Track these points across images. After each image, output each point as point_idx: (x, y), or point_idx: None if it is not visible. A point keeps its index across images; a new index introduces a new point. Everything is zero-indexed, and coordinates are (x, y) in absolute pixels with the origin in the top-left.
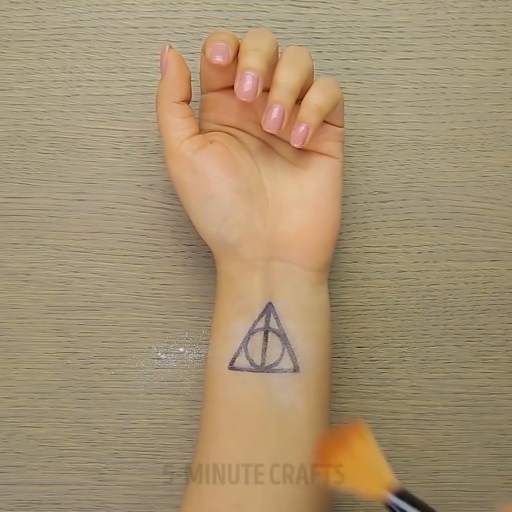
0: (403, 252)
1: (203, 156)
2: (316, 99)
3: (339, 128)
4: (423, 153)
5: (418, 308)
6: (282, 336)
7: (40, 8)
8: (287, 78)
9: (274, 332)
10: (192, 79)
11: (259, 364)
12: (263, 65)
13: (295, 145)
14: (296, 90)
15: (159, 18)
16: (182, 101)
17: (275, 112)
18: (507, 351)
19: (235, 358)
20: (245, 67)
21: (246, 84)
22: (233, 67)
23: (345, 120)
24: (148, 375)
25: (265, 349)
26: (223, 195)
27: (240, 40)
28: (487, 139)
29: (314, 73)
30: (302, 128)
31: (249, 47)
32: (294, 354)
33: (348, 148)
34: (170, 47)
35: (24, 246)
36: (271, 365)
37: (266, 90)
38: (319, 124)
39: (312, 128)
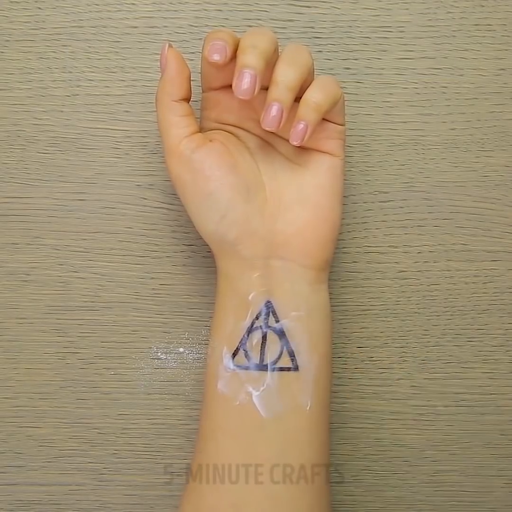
0: (403, 252)
1: (202, 154)
2: (315, 97)
3: (340, 126)
4: (423, 153)
5: (418, 308)
6: (281, 334)
7: (39, 8)
8: (286, 76)
9: (272, 330)
10: (192, 78)
11: (258, 362)
12: (261, 63)
13: (294, 143)
14: (295, 88)
15: (159, 17)
16: (182, 100)
17: (273, 110)
18: (507, 351)
19: (234, 356)
20: (243, 65)
21: (244, 82)
22: (232, 65)
23: (348, 120)
24: (148, 375)
25: (264, 347)
26: (221, 193)
27: (240, 38)
28: (487, 139)
29: (314, 73)
30: (301, 126)
31: (247, 45)
32: (293, 352)
33: (348, 148)
34: (170, 45)
35: (24, 246)
36: (269, 363)
37: (266, 88)
38: (318, 122)
39: (311, 126)
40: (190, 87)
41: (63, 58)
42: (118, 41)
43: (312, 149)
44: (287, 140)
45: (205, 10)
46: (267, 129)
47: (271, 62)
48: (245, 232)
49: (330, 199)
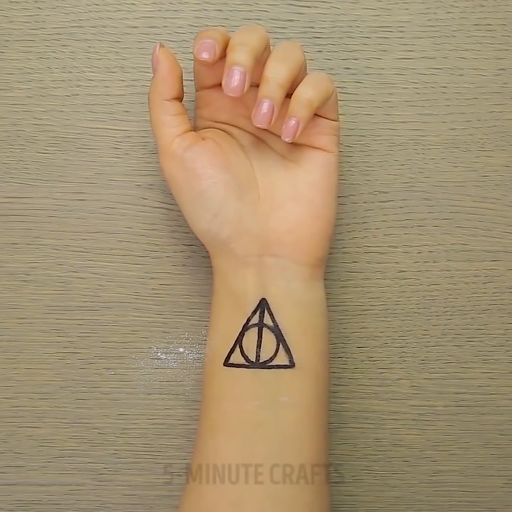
0: (403, 252)
1: (194, 153)
2: (306, 93)
3: (334, 122)
4: (423, 153)
5: (418, 308)
6: (276, 332)
7: (39, 8)
8: (277, 72)
9: (268, 328)
10: (190, 78)
11: (254, 360)
12: (251, 60)
13: (286, 140)
14: (286, 85)
15: (159, 17)
16: (174, 99)
17: (264, 107)
18: (507, 351)
19: (230, 354)
20: (232, 63)
21: (233, 80)
22: (223, 63)
23: (345, 120)
24: (148, 375)
25: (260, 345)
26: (214, 191)
27: (230, 36)
28: (487, 139)
29: (313, 71)
30: (292, 122)
31: (236, 43)
32: (289, 349)
33: (348, 148)
34: (161, 45)
35: (23, 246)
36: (265, 361)
37: (258, 86)
38: (309, 118)
39: (303, 122)
40: (182, 86)
41: (63, 58)
42: (118, 41)
43: (306, 146)
44: (280, 137)
45: (205, 10)
46: (258, 126)
47: (261, 59)
48: (238, 230)
49: (324, 196)
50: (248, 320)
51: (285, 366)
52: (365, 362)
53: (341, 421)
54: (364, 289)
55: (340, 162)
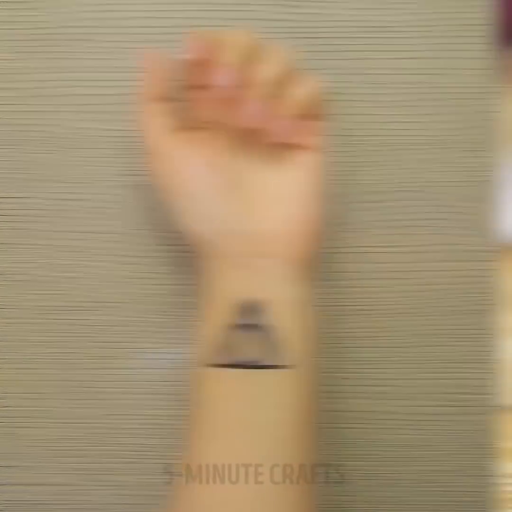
0: (402, 252)
1: (183, 153)
2: (294, 93)
3: (321, 122)
4: (416, 153)
5: (416, 308)
6: (264, 332)
7: (40, 8)
8: (264, 73)
9: (256, 328)
10: (181, 78)
11: (241, 361)
12: (239, 62)
13: (274, 140)
14: (274, 86)
15: (157, 18)
16: (161, 99)
17: (252, 107)
18: (507, 351)
19: (219, 355)
20: (220, 64)
21: (222, 80)
22: (212, 64)
23: (337, 120)
24: (143, 376)
25: (249, 345)
26: (201, 192)
27: (219, 37)
28: (480, 138)
29: (302, 71)
30: (280, 122)
31: (225, 44)
32: (277, 350)
33: (342, 148)
34: (152, 46)
35: (17, 246)
36: (253, 361)
37: (247, 86)
38: (297, 118)
39: (291, 122)
40: (170, 87)
41: (62, 58)
42: (118, 41)
43: (293, 145)
44: (268, 137)
45: (200, 10)
46: (247, 126)
47: (249, 61)
48: (225, 231)
49: (310, 196)
50: (238, 320)
51: (273, 367)
52: (364, 362)
53: (340, 421)
54: (363, 289)
55: (330, 162)
